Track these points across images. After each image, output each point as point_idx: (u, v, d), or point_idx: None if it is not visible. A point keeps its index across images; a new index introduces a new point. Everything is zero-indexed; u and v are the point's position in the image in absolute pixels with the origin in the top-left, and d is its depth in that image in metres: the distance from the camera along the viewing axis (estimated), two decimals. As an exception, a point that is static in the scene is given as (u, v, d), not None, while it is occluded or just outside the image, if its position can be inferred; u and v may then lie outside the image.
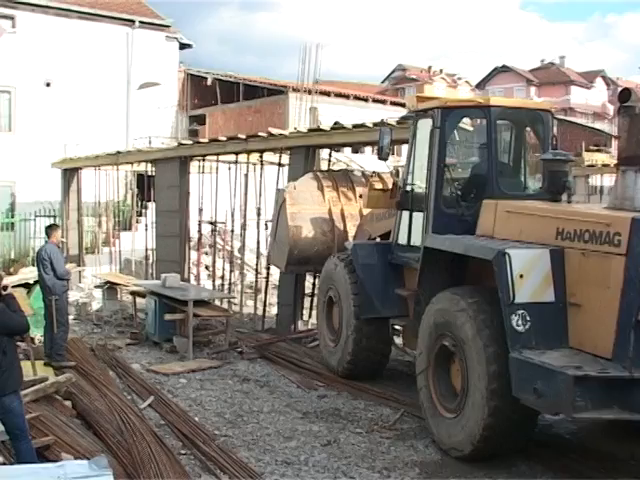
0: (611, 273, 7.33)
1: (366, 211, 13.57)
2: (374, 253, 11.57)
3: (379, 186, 12.97)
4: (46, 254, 12.65)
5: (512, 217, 8.96)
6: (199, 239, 20.41)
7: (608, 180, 35.05)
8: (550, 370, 7.25)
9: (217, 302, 15.89)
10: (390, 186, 12.21)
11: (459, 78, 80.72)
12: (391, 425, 9.84)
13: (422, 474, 8.17)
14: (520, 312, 7.73)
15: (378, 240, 12.40)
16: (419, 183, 10.69)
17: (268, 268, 17.13)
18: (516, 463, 8.45)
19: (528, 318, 7.74)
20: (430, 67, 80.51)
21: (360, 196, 14.29)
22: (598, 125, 60.15)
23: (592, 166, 32.45)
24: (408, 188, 10.92)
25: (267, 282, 17.30)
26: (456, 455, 8.53)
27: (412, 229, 10.69)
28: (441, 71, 79.73)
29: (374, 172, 15.39)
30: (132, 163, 22.04)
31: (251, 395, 11.26)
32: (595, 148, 42.99)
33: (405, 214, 10.98)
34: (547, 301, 7.86)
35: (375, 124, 13.61)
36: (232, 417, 10.17)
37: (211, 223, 19.85)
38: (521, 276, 7.79)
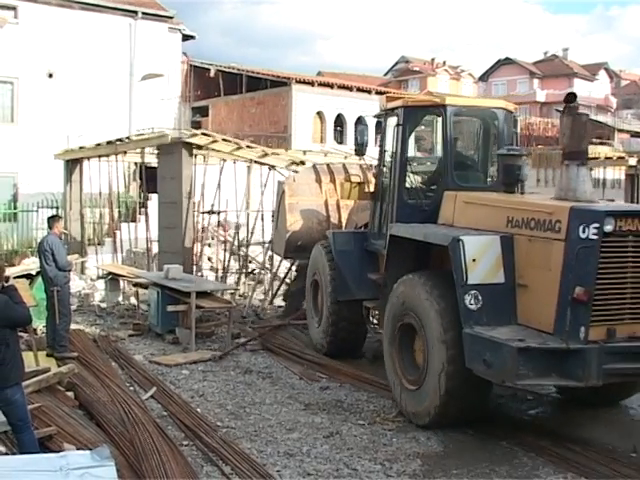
0: (552, 257, 8.22)
1: (346, 202, 14.58)
2: (351, 241, 12.66)
3: (356, 179, 13.98)
4: (48, 245, 12.65)
5: (469, 207, 9.90)
6: (203, 230, 20.43)
7: (611, 173, 35.00)
8: (497, 343, 8.09)
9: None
10: (354, 179, 13.53)
11: (462, 70, 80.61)
12: (393, 417, 9.85)
13: (424, 466, 8.18)
14: (473, 292, 8.56)
15: (363, 229, 13.19)
16: (386, 176, 11.60)
17: (272, 257, 17.65)
18: (518, 455, 8.48)
19: (480, 298, 8.57)
20: (433, 59, 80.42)
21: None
22: (601, 118, 60.07)
23: (595, 159, 32.31)
24: (379, 181, 11.90)
25: (271, 272, 17.36)
26: (418, 422, 9.36)
27: (382, 219, 11.55)
28: (444, 63, 79.62)
29: (371, 165, 15.96)
30: (129, 152, 21.97)
31: (253, 387, 11.28)
32: (598, 141, 42.91)
33: (378, 204, 11.87)
34: (498, 282, 8.70)
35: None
36: (234, 408, 10.18)
37: (212, 212, 19.89)
38: (474, 260, 8.63)
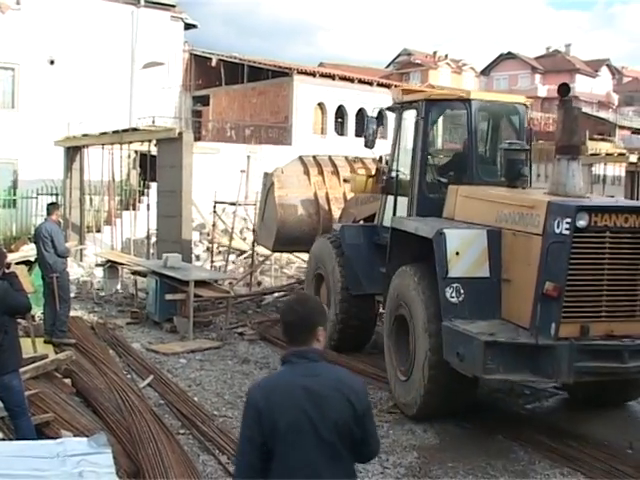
0: (532, 252, 8.20)
1: (350, 195, 14.45)
2: (360, 234, 12.34)
3: (362, 172, 13.93)
4: (47, 232, 12.65)
5: (467, 201, 9.86)
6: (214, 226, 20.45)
7: (611, 169, 35.00)
8: (468, 336, 8.12)
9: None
10: (373, 172, 13.18)
11: (464, 64, 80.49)
12: (390, 408, 9.86)
13: (420, 458, 8.20)
14: (455, 285, 8.56)
15: (362, 223, 13.12)
16: (403, 169, 11.31)
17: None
18: (514, 449, 8.49)
19: (462, 291, 8.57)
20: (435, 52, 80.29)
21: (345, 180, 15.16)
22: (602, 114, 60.04)
23: (596, 155, 32.32)
24: (393, 174, 11.54)
25: (252, 261, 17.44)
26: (407, 413, 9.46)
27: (396, 212, 11.24)
28: (446, 56, 79.47)
29: (357, 157, 16.28)
30: (134, 142, 21.96)
31: (251, 376, 11.27)
32: (599, 137, 42.92)
33: (390, 198, 11.59)
34: (482, 276, 8.69)
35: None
36: (231, 398, 10.19)
37: (217, 203, 19.93)
38: (457, 253, 8.65)
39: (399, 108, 11.65)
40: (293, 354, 3.94)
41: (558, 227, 7.87)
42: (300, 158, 16.30)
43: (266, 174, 16.09)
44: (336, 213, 15.05)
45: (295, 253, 19.93)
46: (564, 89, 8.93)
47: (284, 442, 3.77)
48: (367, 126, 12.08)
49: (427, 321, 8.95)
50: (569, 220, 7.79)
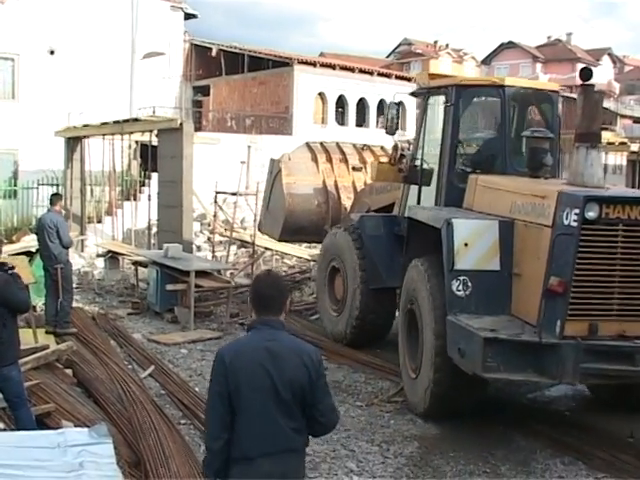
0: (541, 244, 7.84)
1: (359, 183, 14.24)
2: (380, 225, 11.86)
3: (370, 158, 13.75)
4: (52, 222, 12.63)
5: (485, 191, 9.47)
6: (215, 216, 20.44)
7: (613, 158, 34.97)
8: (469, 332, 7.78)
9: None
10: (382, 160, 12.89)
11: (465, 53, 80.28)
12: (390, 397, 9.88)
13: (421, 448, 8.21)
14: (462, 278, 8.24)
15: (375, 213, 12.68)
16: (429, 158, 10.76)
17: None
18: (515, 439, 8.50)
19: (469, 284, 8.24)
20: (436, 42, 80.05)
21: (354, 168, 14.96)
22: (604, 103, 59.86)
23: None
24: (417, 163, 10.96)
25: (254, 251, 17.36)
26: (417, 412, 9.16)
27: (420, 202, 10.73)
28: (447, 46, 79.24)
29: (365, 145, 15.92)
30: (134, 133, 21.93)
31: (252, 366, 11.25)
32: (601, 126, 42.78)
33: (413, 188, 11.07)
34: (492, 269, 8.33)
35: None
36: (232, 388, 10.17)
37: (218, 193, 19.90)
38: (466, 244, 8.28)
39: (425, 94, 11.12)
40: (259, 322, 4.54)
41: (567, 218, 7.49)
42: (307, 144, 15.85)
43: (272, 160, 15.64)
44: (345, 202, 14.69)
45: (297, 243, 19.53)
46: (586, 73, 8.42)
47: (246, 395, 4.32)
48: (388, 112, 11.66)
49: (434, 316, 8.66)
50: (577, 211, 7.39)
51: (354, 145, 15.91)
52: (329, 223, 14.21)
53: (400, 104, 11.71)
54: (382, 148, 15.68)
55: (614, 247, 7.53)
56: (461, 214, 9.13)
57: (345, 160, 15.35)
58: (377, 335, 12.24)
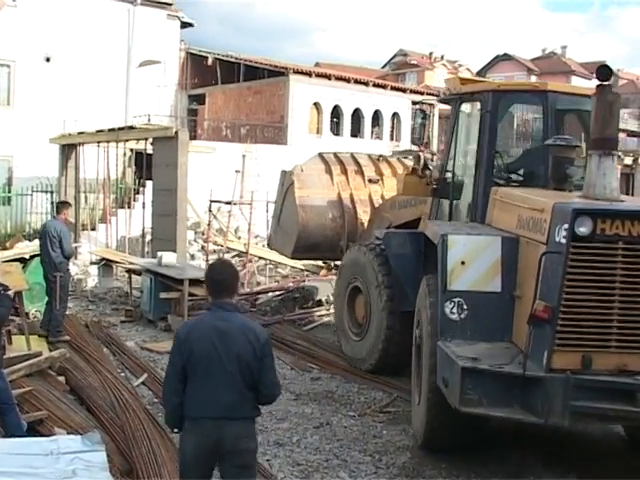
0: (536, 263, 6.89)
1: (376, 197, 13.25)
2: (407, 242, 10.62)
3: (387, 170, 12.95)
4: (56, 231, 12.58)
5: (500, 205, 8.71)
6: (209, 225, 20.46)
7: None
8: (451, 360, 7.05)
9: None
10: (400, 171, 11.97)
11: (460, 65, 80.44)
12: (383, 407, 9.88)
13: (413, 458, 8.20)
14: (456, 300, 7.51)
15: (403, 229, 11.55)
16: (461, 170, 10.13)
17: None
18: (507, 450, 8.48)
19: (465, 307, 7.50)
20: (431, 53, 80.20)
21: (370, 181, 14.17)
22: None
23: (591, 156, 32.42)
24: (448, 175, 10.26)
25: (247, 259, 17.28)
26: (417, 442, 8.45)
27: (452, 218, 10.01)
28: (442, 57, 79.43)
29: (381, 156, 15.22)
30: (130, 140, 21.97)
31: (244, 375, 11.25)
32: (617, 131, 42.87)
33: (444, 202, 10.36)
34: (491, 291, 7.55)
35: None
36: (225, 397, 10.17)
37: (213, 202, 19.92)
38: (463, 262, 7.54)
39: (457, 100, 10.15)
40: (214, 304, 5.27)
41: (558, 235, 6.70)
42: (320, 155, 15.02)
43: (284, 172, 14.89)
44: (362, 217, 13.94)
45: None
46: (603, 71, 7.47)
47: (197, 366, 5.06)
48: (415, 120, 10.89)
49: (429, 340, 7.94)
50: (566, 226, 6.59)
51: (369, 156, 15.25)
52: (345, 239, 13.62)
53: (425, 113, 10.97)
54: (399, 160, 15.15)
55: (612, 268, 6.64)
56: (466, 229, 8.39)
57: (361, 172, 14.63)
58: (403, 362, 10.62)
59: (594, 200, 7.21)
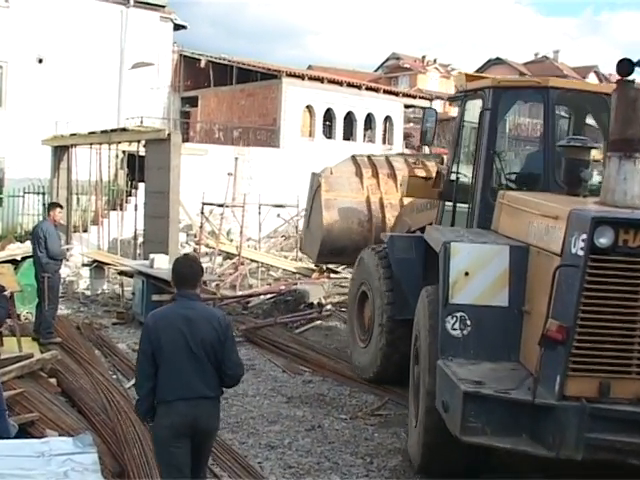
0: (551, 277, 6.17)
1: (406, 200, 12.72)
2: (412, 247, 9.97)
3: (421, 173, 12.21)
4: (42, 232, 12.59)
5: (508, 210, 8.07)
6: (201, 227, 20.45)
7: (598, 177, 35.13)
8: (452, 382, 6.39)
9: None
10: (434, 174, 11.18)
11: (453, 69, 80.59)
12: (375, 410, 9.89)
13: (405, 461, 8.19)
14: (459, 314, 6.87)
15: (418, 233, 10.87)
16: (465, 172, 9.53)
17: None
18: (499, 453, 8.47)
19: (468, 322, 6.87)
20: (424, 57, 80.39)
21: (401, 184, 13.28)
22: (590, 120, 60.15)
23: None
24: (453, 177, 9.70)
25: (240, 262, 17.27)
26: (414, 468, 7.87)
27: (454, 223, 9.46)
28: (435, 61, 79.64)
29: (417, 158, 14.74)
30: (122, 142, 21.95)
31: (236, 378, 11.26)
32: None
33: (449, 205, 9.84)
34: (497, 305, 6.91)
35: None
36: (217, 399, 10.17)
37: (205, 204, 19.90)
38: (466, 273, 6.90)
39: (462, 98, 9.69)
40: (179, 295, 5.77)
41: (574, 246, 6.01)
42: (353, 158, 14.53)
43: (313, 174, 14.45)
44: (391, 221, 13.50)
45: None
46: (624, 65, 6.68)
47: (166, 352, 5.49)
48: (425, 119, 10.15)
49: (428, 358, 7.35)
50: (584, 237, 5.88)
51: (405, 159, 14.63)
52: (372, 244, 12.67)
53: (436, 113, 10.45)
54: (437, 164, 14.18)
55: (635, 285, 5.92)
56: (471, 236, 7.65)
57: (393, 175, 14.05)
58: (406, 372, 9.38)
59: (613, 207, 6.50)
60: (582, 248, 5.90)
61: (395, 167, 14.12)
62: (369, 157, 14.74)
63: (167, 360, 5.49)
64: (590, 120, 9.79)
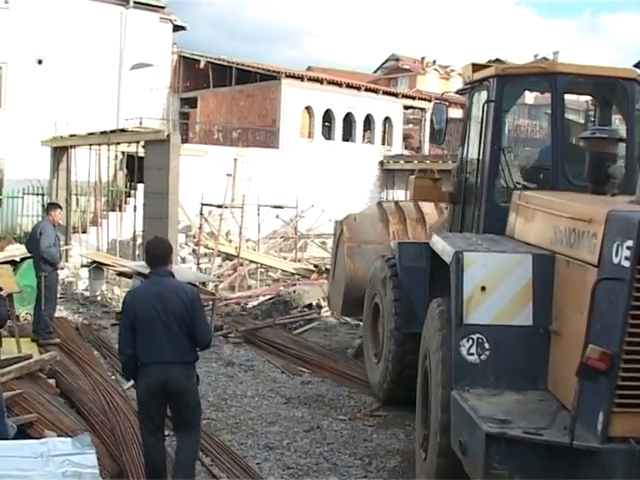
0: (585, 291, 5.19)
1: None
2: (421, 255, 9.03)
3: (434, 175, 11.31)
4: (39, 230, 12.66)
5: (525, 212, 7.22)
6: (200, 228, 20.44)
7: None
8: (472, 420, 5.39)
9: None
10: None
11: (452, 70, 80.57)
12: (373, 411, 9.90)
13: (403, 462, 8.21)
14: (475, 337, 5.95)
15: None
16: (473, 171, 8.80)
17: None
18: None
19: (487, 346, 5.93)
20: (423, 58, 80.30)
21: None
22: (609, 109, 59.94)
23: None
24: (462, 177, 9.12)
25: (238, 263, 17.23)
26: None
27: (463, 227, 8.85)
28: (434, 62, 79.53)
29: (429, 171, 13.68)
30: (121, 143, 21.94)
31: (235, 379, 11.29)
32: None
33: (458, 208, 9.21)
34: (520, 325, 6.00)
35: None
36: (216, 400, 10.19)
37: (204, 205, 19.89)
38: (483, 288, 5.99)
39: (469, 90, 9.00)
40: (152, 273, 6.80)
41: (617, 255, 4.94)
42: (379, 204, 13.86)
43: (337, 222, 13.61)
44: None
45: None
46: None
47: (141, 324, 6.47)
48: (435, 115, 9.51)
49: (440, 386, 6.37)
50: (630, 243, 4.81)
51: (436, 204, 13.21)
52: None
53: (447, 109, 9.80)
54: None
55: None
56: (485, 244, 6.79)
57: (423, 220, 13.17)
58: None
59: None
60: (627, 257, 4.83)
61: (424, 212, 13.25)
62: (396, 202, 14.13)
63: (143, 330, 6.46)
64: (609, 109, 8.87)
